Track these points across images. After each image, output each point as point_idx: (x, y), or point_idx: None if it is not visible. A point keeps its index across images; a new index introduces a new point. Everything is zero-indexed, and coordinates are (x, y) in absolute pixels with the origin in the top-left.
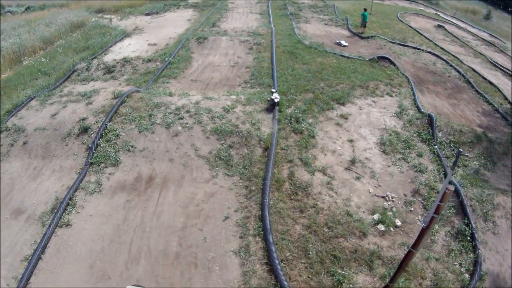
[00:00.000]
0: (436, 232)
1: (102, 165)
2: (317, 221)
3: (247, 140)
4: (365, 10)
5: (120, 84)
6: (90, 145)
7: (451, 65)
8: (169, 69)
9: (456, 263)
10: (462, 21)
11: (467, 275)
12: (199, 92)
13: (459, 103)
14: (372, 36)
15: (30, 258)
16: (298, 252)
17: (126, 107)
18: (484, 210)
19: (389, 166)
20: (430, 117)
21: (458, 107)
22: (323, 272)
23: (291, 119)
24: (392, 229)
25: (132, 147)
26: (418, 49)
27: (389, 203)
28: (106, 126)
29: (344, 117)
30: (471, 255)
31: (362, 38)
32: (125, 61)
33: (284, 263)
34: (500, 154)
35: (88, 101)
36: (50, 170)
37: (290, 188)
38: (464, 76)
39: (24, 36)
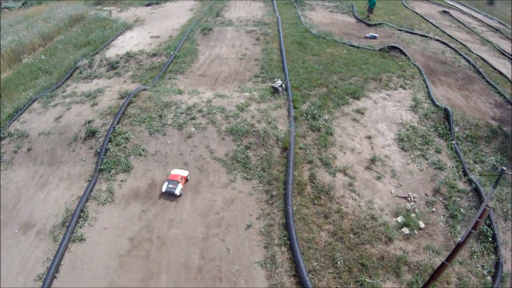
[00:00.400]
0: (458, 234)
1: (113, 171)
2: (343, 227)
3: (264, 140)
4: None
5: (125, 81)
6: (99, 150)
7: (460, 54)
8: (175, 64)
9: (478, 266)
10: (466, 6)
11: (489, 278)
12: (208, 88)
13: (471, 94)
14: (379, 24)
15: (44, 276)
16: (326, 261)
17: (134, 107)
18: (504, 209)
19: (409, 164)
20: (446, 111)
21: (471, 99)
22: (351, 282)
23: (307, 116)
24: (416, 231)
25: (143, 150)
26: (426, 36)
27: (411, 203)
28: (114, 129)
29: (360, 112)
30: (493, 256)
31: (369, 25)
32: (129, 56)
33: (312, 274)
34: None
35: (93, 101)
36: (57, 178)
37: (313, 192)
38: (474, 66)
39: (22, 33)
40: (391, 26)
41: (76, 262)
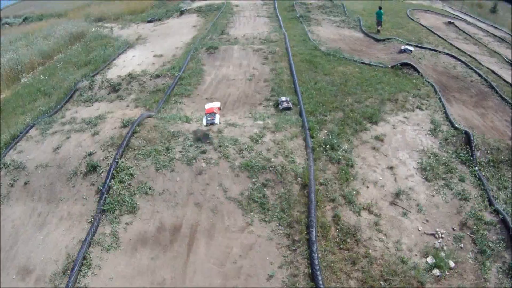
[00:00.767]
0: (488, 270)
1: (117, 212)
2: (372, 274)
3: (282, 176)
4: (380, 8)
5: (128, 106)
6: (101, 188)
7: (471, 68)
8: (181, 86)
9: None
10: (470, 16)
11: None
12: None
13: (486, 112)
14: (388, 39)
15: None
16: None
17: (139, 138)
18: None
19: (433, 196)
20: (467, 134)
21: (487, 117)
22: None
23: (325, 147)
24: (446, 272)
25: (149, 189)
26: (436, 50)
27: (439, 240)
28: (117, 164)
29: (380, 139)
30: None
31: (377, 41)
32: (131, 77)
33: None
34: None
35: (93, 130)
36: (57, 217)
37: (338, 235)
38: (486, 81)
39: (21, 51)
40: (400, 40)
41: None
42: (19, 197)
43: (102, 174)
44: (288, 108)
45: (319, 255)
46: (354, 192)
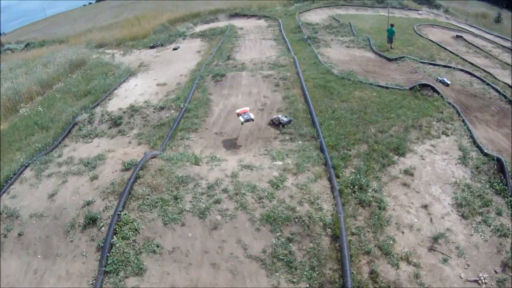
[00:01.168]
0: None
1: (121, 274)
2: None
3: (309, 228)
4: (392, 25)
5: (130, 142)
6: (102, 245)
7: (487, 84)
8: (187, 119)
9: None
10: (476, 27)
11: None
12: (229, 153)
13: (511, 131)
14: (401, 57)
15: None
16: None
17: (142, 185)
18: None
19: (472, 235)
20: (499, 161)
21: None
22: None
23: (353, 187)
24: None
25: (157, 246)
26: (449, 67)
27: (482, 287)
28: (119, 217)
29: (409, 173)
30: None
31: (389, 60)
32: (133, 109)
33: None
34: None
35: (92, 173)
36: (54, 276)
37: None
38: (505, 97)
39: (20, 80)
40: (413, 59)
41: None
42: (13, 250)
43: (103, 229)
44: (289, 121)
45: None
46: (390, 240)
